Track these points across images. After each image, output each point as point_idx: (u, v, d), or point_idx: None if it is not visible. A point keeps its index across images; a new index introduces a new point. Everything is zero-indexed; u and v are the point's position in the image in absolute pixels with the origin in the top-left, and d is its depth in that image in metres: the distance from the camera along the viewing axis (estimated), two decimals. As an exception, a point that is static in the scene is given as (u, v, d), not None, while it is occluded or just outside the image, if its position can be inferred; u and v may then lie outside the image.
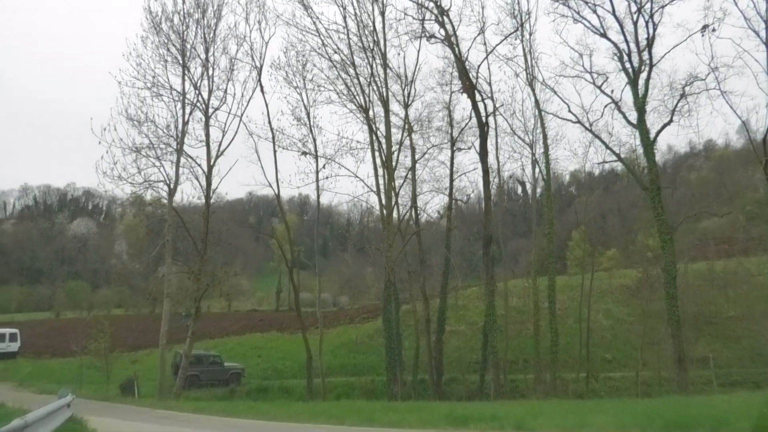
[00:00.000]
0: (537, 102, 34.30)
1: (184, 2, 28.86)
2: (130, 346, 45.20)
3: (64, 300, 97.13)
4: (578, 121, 32.13)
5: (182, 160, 28.43)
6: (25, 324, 72.87)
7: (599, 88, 30.67)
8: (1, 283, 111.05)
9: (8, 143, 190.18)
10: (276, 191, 33.46)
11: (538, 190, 40.31)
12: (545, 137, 34.30)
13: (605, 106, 30.83)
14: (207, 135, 29.39)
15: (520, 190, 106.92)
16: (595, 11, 29.65)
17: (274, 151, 32.98)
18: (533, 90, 34.36)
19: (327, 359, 37.91)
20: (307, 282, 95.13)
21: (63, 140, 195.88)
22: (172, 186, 27.73)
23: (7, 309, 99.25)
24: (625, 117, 30.22)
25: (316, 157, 33.87)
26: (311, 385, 33.47)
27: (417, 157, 35.85)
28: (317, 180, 34.04)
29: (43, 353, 42.67)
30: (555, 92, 32.85)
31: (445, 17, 31.32)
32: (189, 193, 32.71)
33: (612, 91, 30.36)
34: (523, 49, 33.90)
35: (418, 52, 37.46)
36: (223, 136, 29.61)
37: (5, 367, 38.36)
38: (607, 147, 32.01)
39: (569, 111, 32.28)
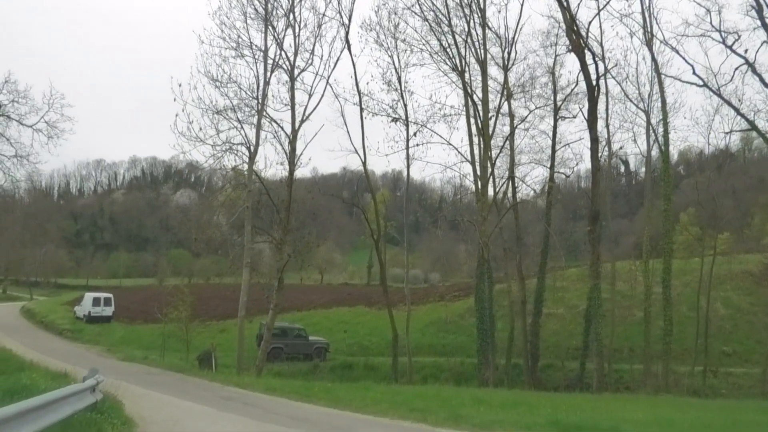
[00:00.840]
0: (656, 63, 30.37)
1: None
2: (220, 315, 44.64)
3: (166, 267, 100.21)
4: (704, 84, 28.20)
5: (264, 123, 26.61)
6: (128, 289, 75.41)
7: (730, 47, 26.48)
8: (111, 250, 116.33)
9: (119, 116, 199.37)
10: (362, 158, 31.24)
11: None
12: (664, 103, 30.37)
13: (736, 69, 26.75)
14: (292, 98, 27.40)
15: (622, 168, 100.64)
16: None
17: (361, 116, 30.81)
18: (651, 51, 30.41)
19: (414, 338, 35.66)
20: (398, 258, 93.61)
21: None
22: (252, 149, 25.97)
23: (116, 274, 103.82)
24: (761, 79, 26.02)
25: (407, 122, 31.32)
26: (396, 364, 31.31)
27: (516, 123, 32.65)
28: (407, 148, 31.60)
29: (137, 319, 42.69)
30: (677, 52, 28.86)
31: (552, -34, 27.79)
32: (272, 158, 30.92)
33: (746, 51, 26.15)
34: (641, 5, 29.98)
35: (521, 7, 34.15)
36: (309, 99, 27.57)
37: (99, 331, 38.56)
38: (739, 113, 27.86)
39: (693, 73, 28.26)
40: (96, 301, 42.16)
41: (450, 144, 30.90)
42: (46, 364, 22.26)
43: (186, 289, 29.40)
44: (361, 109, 30.84)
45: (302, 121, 27.47)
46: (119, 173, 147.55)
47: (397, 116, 31.45)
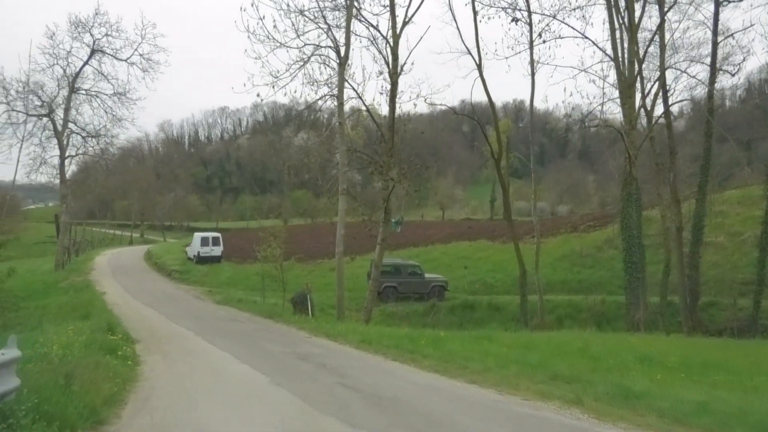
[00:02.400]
0: None
1: None
2: (331, 254, 41.50)
3: (290, 208, 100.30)
4: None
5: (357, 28, 22.03)
6: (252, 231, 74.89)
7: None
8: (239, 193, 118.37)
9: (243, 62, 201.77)
10: (476, 59, 25.89)
11: None
12: None
13: None
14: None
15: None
16: None
17: (473, 6, 25.34)
18: None
19: (545, 273, 30.56)
20: (522, 191, 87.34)
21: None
22: (343, 54, 21.45)
23: (243, 216, 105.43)
24: None
25: (530, 15, 25.53)
26: (526, 305, 26.51)
27: (666, 9, 25.81)
28: (531, 48, 25.89)
29: (249, 258, 40.38)
30: None
31: None
32: (370, 69, 26.27)
33: None
34: None
35: None
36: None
37: (207, 271, 36.59)
38: None
39: None
40: (204, 241, 40.19)
41: (586, 38, 24.87)
42: (118, 309, 19.75)
43: (282, 227, 26.02)
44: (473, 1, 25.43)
45: (404, 24, 22.53)
46: (243, 119, 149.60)
47: (516, 7, 25.78)
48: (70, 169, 38.81)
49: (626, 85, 23.55)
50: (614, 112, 26.30)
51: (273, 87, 20.79)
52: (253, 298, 26.65)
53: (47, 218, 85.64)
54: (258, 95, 20.04)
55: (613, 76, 25.06)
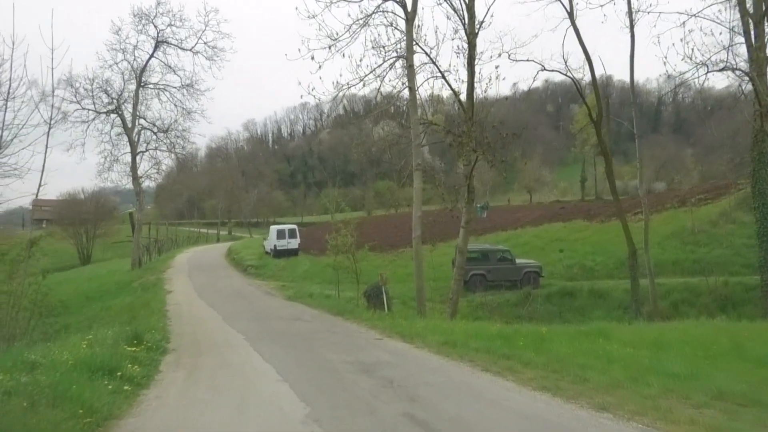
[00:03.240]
0: None
1: None
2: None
3: (373, 199, 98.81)
4: None
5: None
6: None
7: None
8: (322, 187, 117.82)
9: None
10: (567, 6, 22.20)
11: None
12: None
13: None
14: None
15: None
16: None
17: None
18: None
19: (653, 254, 26.44)
20: (615, 170, 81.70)
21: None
22: (409, 8, 18.49)
23: (327, 210, 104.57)
24: None
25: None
26: (637, 290, 22.65)
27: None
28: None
29: (327, 250, 38.20)
30: None
31: None
32: (443, 29, 23.23)
33: None
34: None
35: None
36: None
37: (284, 265, 34.61)
38: None
39: None
40: (280, 234, 38.20)
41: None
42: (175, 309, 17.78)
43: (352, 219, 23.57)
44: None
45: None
46: (324, 113, 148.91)
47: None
48: (151, 168, 37.76)
49: (756, 20, 19.28)
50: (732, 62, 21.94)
51: (330, 49, 18.19)
52: (328, 292, 24.30)
53: (143, 220, 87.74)
54: (312, 58, 17.13)
55: (731, 20, 20.79)
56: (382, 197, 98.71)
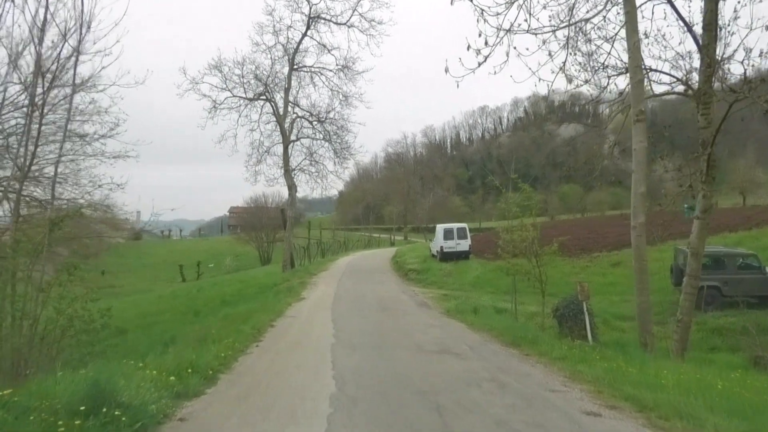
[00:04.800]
0: None
1: None
2: (612, 243, 31.21)
3: (557, 204, 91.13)
4: None
5: None
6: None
7: None
8: (500, 192, 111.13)
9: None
10: None
11: None
12: None
13: None
14: None
15: None
16: None
17: None
18: None
19: None
20: None
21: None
22: None
23: (505, 215, 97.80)
24: None
25: None
26: None
27: None
28: None
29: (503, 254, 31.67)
30: None
31: None
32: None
33: None
34: None
35: None
36: None
37: (450, 270, 28.60)
38: None
39: None
40: (447, 234, 32.15)
41: None
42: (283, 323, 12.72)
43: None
44: None
45: None
46: (503, 117, 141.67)
47: None
48: (304, 160, 33.83)
49: None
50: None
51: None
52: (502, 304, 18.11)
53: (323, 225, 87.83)
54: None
55: None
56: (567, 201, 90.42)
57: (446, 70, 12.18)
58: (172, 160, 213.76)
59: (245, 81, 31.01)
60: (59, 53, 15.41)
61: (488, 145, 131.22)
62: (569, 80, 14.55)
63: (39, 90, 14.92)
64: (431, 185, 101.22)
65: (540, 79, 13.32)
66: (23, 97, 15.29)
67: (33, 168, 16.02)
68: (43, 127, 16.24)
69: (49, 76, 14.75)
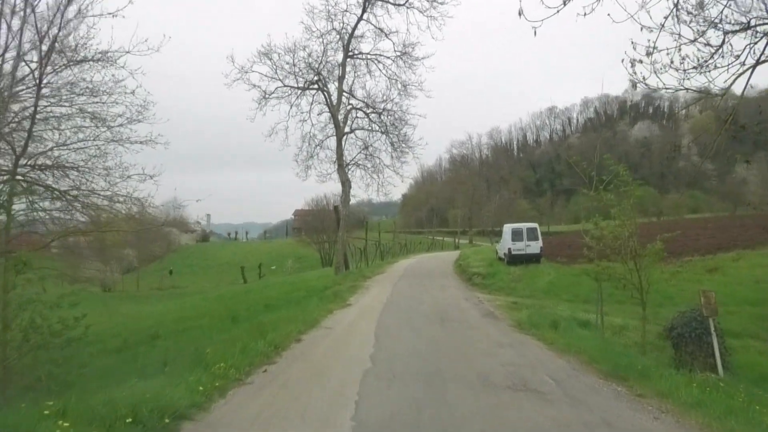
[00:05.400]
0: None
1: None
2: (705, 247, 27.41)
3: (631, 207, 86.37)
4: None
5: None
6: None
7: None
8: (570, 194, 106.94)
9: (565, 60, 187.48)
10: None
11: None
12: None
13: None
14: None
15: None
16: None
17: None
18: None
19: None
20: None
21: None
22: None
23: (577, 218, 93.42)
24: None
25: None
26: None
27: None
28: None
29: (581, 257, 28.11)
30: None
31: None
32: None
33: None
34: None
35: None
36: None
37: (520, 275, 25.29)
38: None
39: None
40: (516, 234, 28.75)
41: None
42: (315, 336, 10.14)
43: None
44: None
45: None
46: (572, 118, 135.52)
47: None
48: (359, 154, 31.21)
49: None
50: None
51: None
52: (583, 315, 15.03)
53: (385, 229, 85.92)
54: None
55: None
56: (642, 205, 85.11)
57: (520, 13, 8.85)
58: (242, 166, 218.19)
59: (296, 69, 28.88)
60: (63, 12, 13.41)
61: (556, 146, 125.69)
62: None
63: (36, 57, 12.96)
64: (497, 188, 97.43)
65: (642, 27, 10.21)
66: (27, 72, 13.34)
67: (43, 152, 14.10)
68: (56, 108, 14.32)
69: (47, 41, 12.78)
